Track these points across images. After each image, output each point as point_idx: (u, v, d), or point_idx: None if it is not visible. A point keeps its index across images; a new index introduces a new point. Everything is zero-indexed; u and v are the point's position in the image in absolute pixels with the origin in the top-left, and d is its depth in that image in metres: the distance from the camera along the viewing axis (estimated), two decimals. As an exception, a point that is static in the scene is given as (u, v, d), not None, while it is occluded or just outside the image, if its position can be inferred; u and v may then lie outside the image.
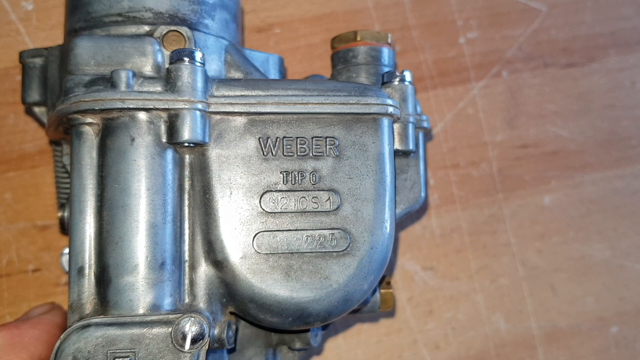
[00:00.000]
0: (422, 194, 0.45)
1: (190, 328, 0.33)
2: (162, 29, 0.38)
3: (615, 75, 0.63)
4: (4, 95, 0.56)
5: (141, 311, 0.34)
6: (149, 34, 0.39)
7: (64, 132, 0.38)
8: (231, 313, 0.39)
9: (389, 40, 0.46)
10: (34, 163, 0.55)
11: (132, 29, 0.39)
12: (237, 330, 0.39)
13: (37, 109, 0.44)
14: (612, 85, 0.63)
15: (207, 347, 0.34)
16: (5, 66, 0.56)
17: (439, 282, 0.59)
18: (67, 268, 0.50)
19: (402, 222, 0.58)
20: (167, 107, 0.35)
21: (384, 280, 0.45)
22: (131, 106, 0.35)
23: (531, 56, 0.63)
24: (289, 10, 0.59)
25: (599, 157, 0.62)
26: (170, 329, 0.33)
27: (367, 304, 0.44)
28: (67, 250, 0.50)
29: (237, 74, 0.41)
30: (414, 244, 0.59)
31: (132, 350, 0.32)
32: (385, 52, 0.44)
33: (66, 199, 0.42)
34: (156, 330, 0.33)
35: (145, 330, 0.33)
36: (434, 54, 0.61)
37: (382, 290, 0.44)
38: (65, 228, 0.40)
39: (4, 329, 0.40)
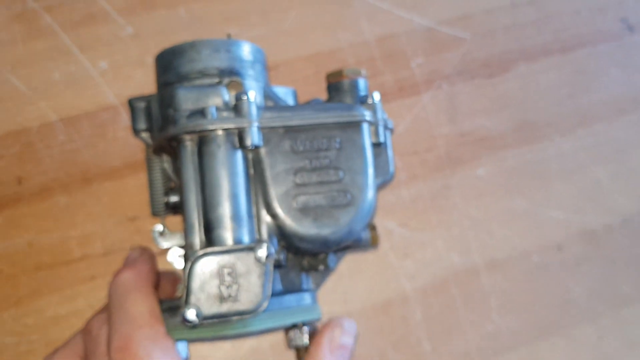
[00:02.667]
0: (391, 170, 0.55)
1: (263, 250, 0.46)
2: (226, 80, 0.51)
3: (524, 80, 0.72)
4: (95, 129, 0.65)
5: (231, 244, 0.46)
6: (219, 83, 0.51)
7: (169, 146, 0.50)
8: (282, 245, 0.51)
9: (363, 74, 0.55)
10: (122, 174, 0.65)
11: (207, 81, 0.51)
12: (286, 257, 0.51)
13: (143, 134, 0.55)
14: (522, 88, 0.72)
15: (273, 262, 0.46)
16: (93, 109, 0.66)
17: (411, 234, 0.68)
18: (158, 239, 0.61)
19: (381, 191, 0.66)
20: (237, 126, 0.48)
21: (371, 226, 0.55)
22: (217, 127, 0.48)
23: (462, 72, 0.71)
24: (289, 54, 0.70)
25: (515, 139, 0.71)
26: (252, 253, 0.46)
27: (361, 241, 0.54)
28: (157, 228, 0.61)
29: (271, 103, 0.53)
30: (391, 209, 0.68)
31: (233, 265, 0.45)
32: (362, 82, 0.55)
33: (169, 189, 0.53)
34: (245, 252, 0.46)
35: (239, 253, 0.46)
36: (393, 75, 0.71)
37: (371, 232, 0.55)
38: (167, 208, 0.54)
39: (127, 269, 0.48)
